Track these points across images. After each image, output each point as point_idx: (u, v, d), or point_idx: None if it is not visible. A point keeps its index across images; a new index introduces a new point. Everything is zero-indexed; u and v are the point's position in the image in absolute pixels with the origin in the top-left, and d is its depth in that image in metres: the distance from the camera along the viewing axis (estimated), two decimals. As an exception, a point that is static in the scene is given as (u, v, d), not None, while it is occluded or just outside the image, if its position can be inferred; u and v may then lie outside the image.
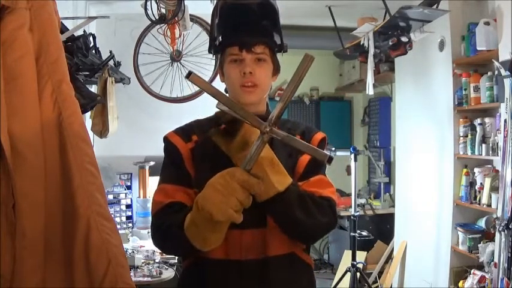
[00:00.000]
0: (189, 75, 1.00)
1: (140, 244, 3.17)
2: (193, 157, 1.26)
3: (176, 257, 2.93)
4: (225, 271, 1.20)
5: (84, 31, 2.68)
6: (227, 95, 1.34)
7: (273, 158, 1.11)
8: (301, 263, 1.27)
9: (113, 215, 1.22)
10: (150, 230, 1.26)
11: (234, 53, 1.26)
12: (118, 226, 3.12)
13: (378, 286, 4.14)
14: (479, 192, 3.03)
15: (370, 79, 3.37)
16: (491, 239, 2.87)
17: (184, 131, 1.31)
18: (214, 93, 1.04)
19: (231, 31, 1.29)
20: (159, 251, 2.99)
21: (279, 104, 1.03)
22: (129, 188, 3.75)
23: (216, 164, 1.13)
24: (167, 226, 1.15)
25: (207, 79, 3.21)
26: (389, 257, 4.25)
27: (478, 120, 3.04)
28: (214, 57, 3.11)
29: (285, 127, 1.31)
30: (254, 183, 1.01)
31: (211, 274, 1.21)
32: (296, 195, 1.13)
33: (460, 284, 3.05)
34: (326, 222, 1.20)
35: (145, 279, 2.61)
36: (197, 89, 3.24)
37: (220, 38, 1.32)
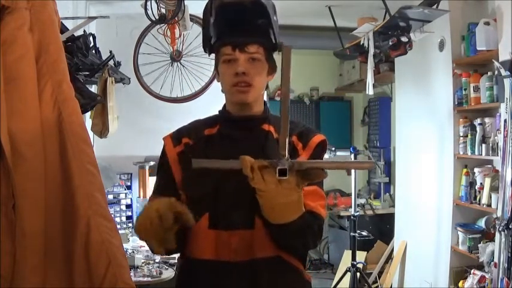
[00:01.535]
0: None
1: (140, 244, 3.16)
2: (181, 160, 1.27)
3: (176, 257, 2.93)
4: (216, 272, 1.20)
5: (84, 31, 2.68)
6: (223, 95, 1.34)
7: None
8: (289, 266, 1.26)
9: (113, 215, 1.22)
10: None
11: (228, 52, 1.25)
12: (118, 226, 3.12)
13: (377, 286, 4.13)
14: (479, 192, 3.02)
15: (370, 79, 3.37)
16: (491, 239, 2.86)
17: (178, 134, 1.33)
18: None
19: (225, 31, 1.28)
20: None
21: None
22: (129, 188, 3.74)
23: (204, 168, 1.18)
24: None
25: (206, 79, 3.22)
26: (389, 257, 4.25)
27: (478, 120, 3.04)
28: (214, 58, 3.12)
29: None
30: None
31: (202, 274, 1.22)
32: (297, 226, 1.12)
33: (460, 284, 3.05)
34: (312, 244, 1.23)
35: (145, 279, 2.61)
36: (197, 88, 3.25)
37: (214, 37, 1.32)
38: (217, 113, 1.36)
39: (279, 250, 1.22)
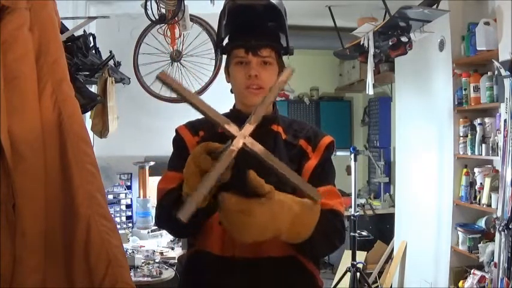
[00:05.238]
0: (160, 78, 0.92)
1: (140, 244, 3.17)
2: None
3: (176, 257, 2.93)
4: (219, 266, 1.20)
5: (84, 31, 2.68)
6: (233, 95, 1.35)
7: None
8: (302, 269, 1.25)
9: (112, 215, 1.22)
10: (155, 217, 1.28)
11: (240, 55, 1.26)
12: (118, 226, 3.12)
13: (377, 286, 4.13)
14: (479, 192, 3.02)
15: (370, 79, 3.37)
16: (491, 239, 2.86)
17: (194, 126, 1.34)
18: (185, 95, 0.98)
19: (238, 33, 1.30)
20: (159, 250, 3.01)
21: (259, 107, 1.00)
22: (129, 188, 3.74)
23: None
24: (168, 206, 1.16)
25: (206, 79, 3.21)
26: (389, 257, 4.25)
27: (478, 120, 3.04)
28: (214, 58, 3.12)
29: (291, 128, 1.31)
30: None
31: (206, 267, 1.23)
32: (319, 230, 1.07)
33: (460, 284, 3.05)
34: (339, 242, 1.24)
35: (145, 279, 2.61)
36: (197, 88, 3.24)
37: (227, 39, 1.33)
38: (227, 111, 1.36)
39: (290, 250, 1.20)
